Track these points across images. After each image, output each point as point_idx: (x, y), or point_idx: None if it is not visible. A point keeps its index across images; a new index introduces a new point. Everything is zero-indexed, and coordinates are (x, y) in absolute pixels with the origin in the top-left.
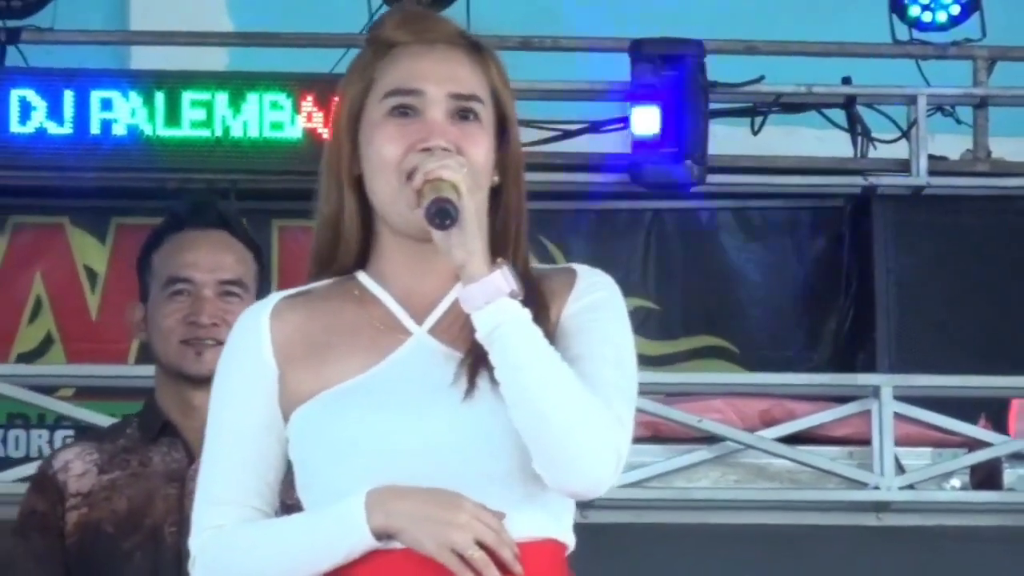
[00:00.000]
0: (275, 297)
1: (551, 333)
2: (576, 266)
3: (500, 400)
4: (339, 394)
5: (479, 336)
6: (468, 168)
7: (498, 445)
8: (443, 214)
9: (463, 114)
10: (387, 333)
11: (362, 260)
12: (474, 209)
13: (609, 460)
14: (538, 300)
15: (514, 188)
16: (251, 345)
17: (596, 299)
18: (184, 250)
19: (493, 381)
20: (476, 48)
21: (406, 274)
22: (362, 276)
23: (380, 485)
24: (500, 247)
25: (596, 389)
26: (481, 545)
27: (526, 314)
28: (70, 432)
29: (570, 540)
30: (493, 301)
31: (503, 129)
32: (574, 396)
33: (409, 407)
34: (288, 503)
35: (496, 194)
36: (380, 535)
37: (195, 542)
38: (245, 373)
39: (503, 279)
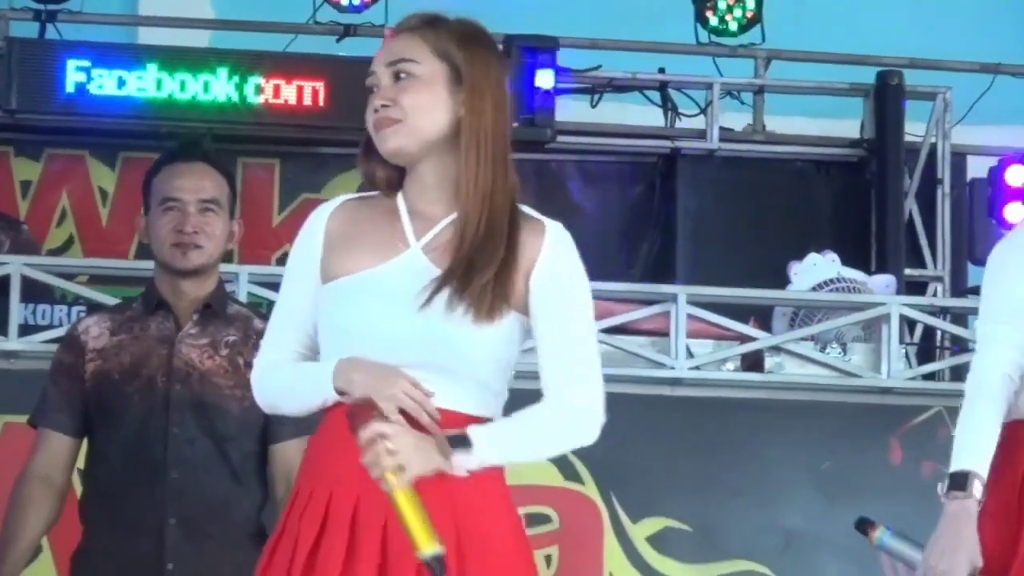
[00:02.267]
0: (343, 198)
1: (517, 281)
2: (547, 224)
3: (450, 312)
4: (345, 284)
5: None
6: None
7: (437, 345)
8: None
9: (398, 75)
10: (395, 241)
11: (396, 183)
12: (413, 448)
13: (593, 431)
14: (512, 247)
15: (472, 118)
16: (311, 234)
17: (562, 267)
18: (174, 177)
19: (448, 300)
20: (429, 23)
21: (418, 199)
22: (399, 195)
23: (349, 357)
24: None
25: (572, 360)
26: (403, 412)
27: (482, 454)
28: (83, 308)
29: (499, 411)
30: (465, 467)
31: (460, 78)
32: (555, 437)
33: (386, 305)
34: None
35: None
36: (340, 392)
37: (256, 367)
38: (303, 255)
39: (460, 461)
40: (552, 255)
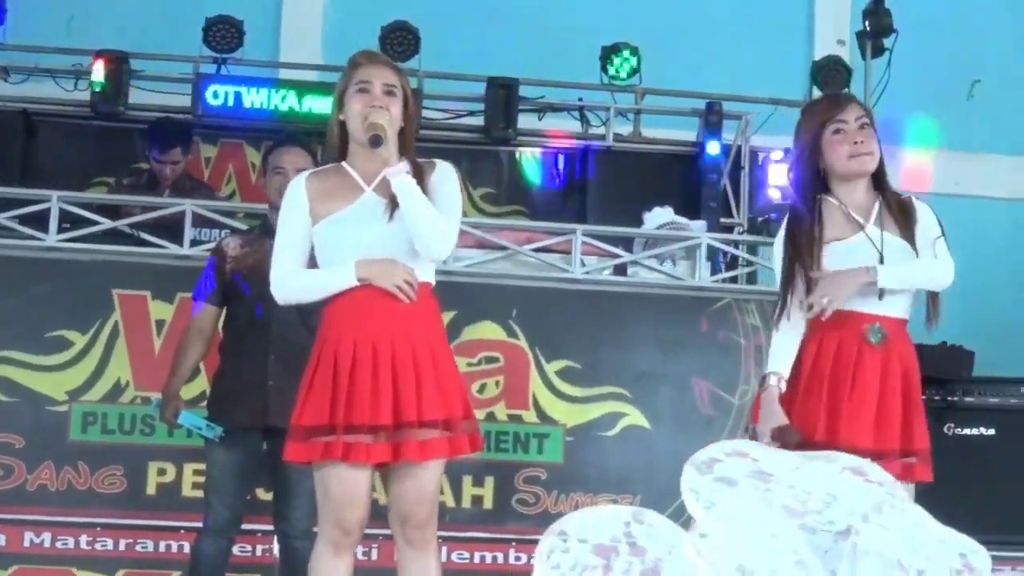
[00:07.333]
0: (306, 173)
1: (425, 190)
2: (436, 161)
3: (401, 220)
4: (334, 219)
5: (394, 189)
6: (390, 117)
7: (404, 239)
8: (376, 140)
9: (387, 92)
10: (354, 190)
11: (343, 157)
12: (393, 135)
13: (446, 247)
14: (418, 174)
15: (409, 129)
16: (296, 194)
17: (443, 176)
18: (281, 154)
19: (397, 213)
20: (395, 68)
21: (362, 163)
22: (344, 164)
23: (361, 259)
24: (402, 152)
25: (445, 216)
26: (406, 282)
27: (413, 181)
28: (228, 231)
29: (433, 280)
30: (399, 175)
31: (406, 104)
32: (434, 220)
33: (366, 225)
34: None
35: (402, 130)
36: (360, 280)
37: (275, 274)
38: (293, 206)
39: (404, 165)
40: (437, 171)
